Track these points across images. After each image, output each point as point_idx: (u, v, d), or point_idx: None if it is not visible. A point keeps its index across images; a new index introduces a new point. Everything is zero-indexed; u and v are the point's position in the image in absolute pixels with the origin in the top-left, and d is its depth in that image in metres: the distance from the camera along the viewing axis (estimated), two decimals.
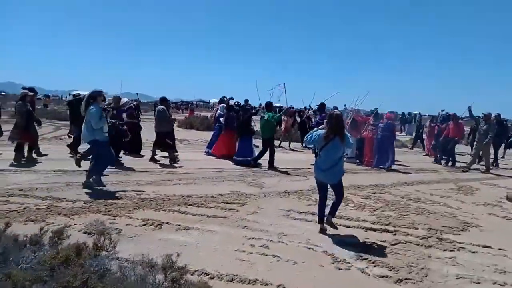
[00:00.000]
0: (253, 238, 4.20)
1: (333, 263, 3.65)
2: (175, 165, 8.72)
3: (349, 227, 4.83)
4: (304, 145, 10.86)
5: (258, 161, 9.41)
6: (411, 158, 12.73)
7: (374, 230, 4.74)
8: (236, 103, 12.59)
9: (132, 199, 5.50)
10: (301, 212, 5.35)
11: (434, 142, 12.86)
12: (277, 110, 12.89)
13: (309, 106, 13.44)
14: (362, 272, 3.49)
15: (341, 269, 3.52)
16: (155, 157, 9.07)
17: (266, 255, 3.74)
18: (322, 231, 4.54)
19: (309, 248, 4.00)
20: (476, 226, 5.18)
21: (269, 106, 9.90)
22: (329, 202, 4.77)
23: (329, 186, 4.68)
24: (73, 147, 8.83)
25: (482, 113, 10.83)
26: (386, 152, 10.15)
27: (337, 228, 4.66)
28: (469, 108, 10.84)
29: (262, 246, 3.97)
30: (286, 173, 8.67)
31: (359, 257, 3.81)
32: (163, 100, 9.88)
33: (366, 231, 4.72)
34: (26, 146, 8.29)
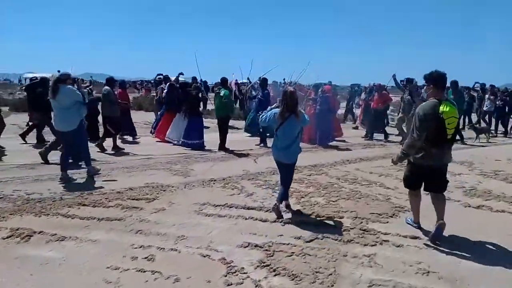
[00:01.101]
0: (141, 246, 3.48)
1: (225, 276, 3.00)
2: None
3: (265, 221, 4.21)
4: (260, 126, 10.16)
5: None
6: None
7: (293, 223, 4.15)
8: (199, 81, 11.56)
9: (15, 201, 4.62)
10: (217, 206, 4.67)
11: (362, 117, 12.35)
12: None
13: (248, 79, 12.58)
14: (256, 286, 2.87)
15: (231, 285, 2.88)
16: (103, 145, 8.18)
17: (145, 271, 3.04)
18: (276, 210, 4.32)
19: (205, 256, 3.33)
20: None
21: (224, 82, 9.05)
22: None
23: None
24: (26, 134, 8.70)
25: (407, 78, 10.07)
26: (326, 128, 9.64)
27: (297, 213, 4.49)
28: (393, 76, 9.73)
29: (146, 258, 3.26)
30: (232, 154, 8.04)
31: (261, 264, 3.18)
32: (109, 81, 8.78)
33: (283, 225, 4.12)
34: None
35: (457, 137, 10.54)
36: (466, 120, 13.26)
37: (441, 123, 3.44)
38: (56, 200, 4.69)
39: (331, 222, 4.19)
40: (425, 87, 4.12)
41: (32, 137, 8.72)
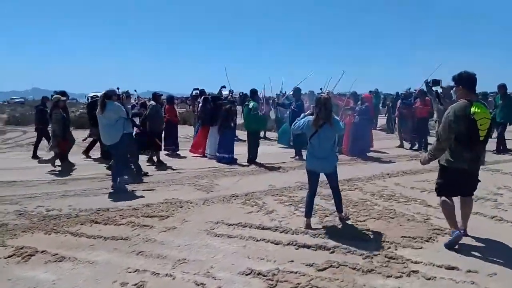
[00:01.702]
0: (136, 270, 3.24)
1: None
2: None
3: (278, 243, 3.79)
4: (291, 137, 9.78)
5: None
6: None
7: (308, 247, 3.69)
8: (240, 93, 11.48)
9: (33, 217, 4.66)
10: (230, 225, 4.35)
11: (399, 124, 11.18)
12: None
13: (280, 91, 12.21)
14: None
15: None
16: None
17: None
18: (308, 226, 4.21)
19: (199, 284, 2.99)
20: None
21: (254, 93, 8.85)
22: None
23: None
24: (88, 150, 9.16)
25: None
26: (365, 139, 8.96)
27: (349, 218, 4.50)
28: (426, 82, 8.48)
29: (136, 284, 3.00)
30: (263, 167, 7.76)
31: None
32: (154, 96, 8.89)
33: (297, 248, 3.67)
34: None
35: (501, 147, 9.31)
36: None
37: (473, 124, 3.37)
38: (71, 217, 4.66)
39: (352, 247, 3.66)
40: (454, 89, 3.77)
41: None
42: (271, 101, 12.79)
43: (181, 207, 5.10)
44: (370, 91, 14.04)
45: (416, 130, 9.99)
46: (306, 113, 4.46)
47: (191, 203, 5.28)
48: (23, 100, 53.41)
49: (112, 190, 5.94)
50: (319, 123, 4.07)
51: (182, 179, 6.83)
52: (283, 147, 10.74)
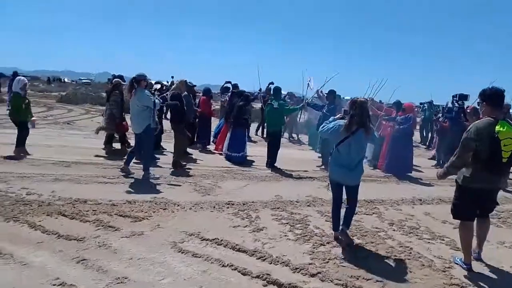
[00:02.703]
0: (62, 284, 2.72)
1: None
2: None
3: (246, 274, 3.08)
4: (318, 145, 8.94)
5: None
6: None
7: (280, 286, 2.95)
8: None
9: (6, 200, 4.36)
10: (204, 239, 3.72)
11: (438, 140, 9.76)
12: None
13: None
14: None
15: None
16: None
17: None
18: (338, 240, 3.90)
19: None
20: None
21: (277, 91, 8.18)
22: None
23: None
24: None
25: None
26: (406, 155, 7.84)
27: (352, 242, 3.92)
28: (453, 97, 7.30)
29: None
30: (279, 174, 7.05)
31: None
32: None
33: (265, 285, 2.95)
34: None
35: None
36: None
37: (496, 143, 3.17)
38: (43, 205, 4.30)
39: None
40: (480, 106, 3.51)
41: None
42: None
43: (164, 209, 4.56)
44: (420, 103, 12.65)
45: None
46: (336, 116, 4.04)
47: (178, 205, 4.73)
48: (89, 81, 57.14)
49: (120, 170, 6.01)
50: (352, 128, 3.64)
51: (186, 177, 6.31)
52: (315, 152, 9.87)
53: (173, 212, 4.50)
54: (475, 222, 3.53)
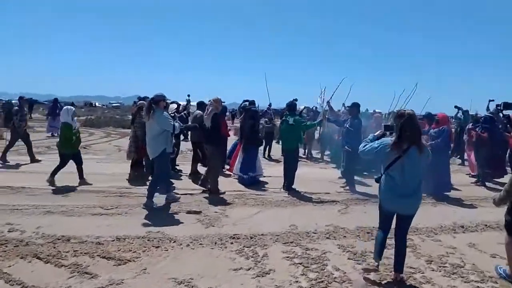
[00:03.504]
0: None
1: None
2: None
3: None
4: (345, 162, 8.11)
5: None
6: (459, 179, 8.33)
7: None
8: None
9: None
10: None
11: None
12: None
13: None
14: None
15: None
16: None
17: None
18: (374, 270, 3.40)
19: None
20: None
21: (292, 107, 7.54)
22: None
23: None
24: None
25: None
26: (443, 171, 6.90)
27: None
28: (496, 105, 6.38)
29: None
30: (296, 198, 6.33)
31: None
32: (200, 105, 8.19)
33: None
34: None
35: None
36: None
37: None
38: (19, 246, 3.78)
39: None
40: None
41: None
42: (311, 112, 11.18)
43: (157, 247, 3.94)
44: (457, 112, 11.58)
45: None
46: (376, 134, 3.53)
47: (174, 241, 4.11)
48: (119, 105, 58.78)
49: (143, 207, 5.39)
50: (403, 147, 3.10)
51: (189, 204, 5.69)
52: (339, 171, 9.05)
53: (167, 250, 3.87)
54: None
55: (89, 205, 5.41)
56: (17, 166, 8.33)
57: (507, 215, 3.36)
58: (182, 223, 4.80)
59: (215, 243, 4.11)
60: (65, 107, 6.98)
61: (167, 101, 6.40)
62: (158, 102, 5.45)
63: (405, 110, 3.31)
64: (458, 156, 11.43)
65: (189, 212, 5.24)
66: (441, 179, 6.93)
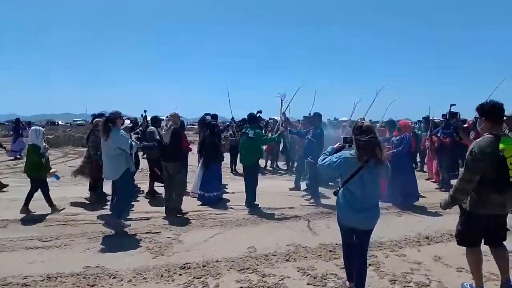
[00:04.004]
0: None
1: None
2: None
3: None
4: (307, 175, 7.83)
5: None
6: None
7: None
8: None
9: None
10: None
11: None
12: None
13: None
14: None
15: None
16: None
17: None
18: None
19: None
20: None
21: (253, 119, 7.21)
22: None
23: None
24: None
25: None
26: (408, 180, 6.78)
27: None
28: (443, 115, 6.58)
29: None
30: (256, 215, 5.97)
31: None
32: (153, 120, 7.78)
33: None
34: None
35: None
36: None
37: (502, 162, 2.92)
38: None
39: None
40: (478, 121, 3.26)
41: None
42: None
43: (93, 286, 3.47)
44: (419, 120, 11.70)
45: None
46: (335, 146, 3.38)
47: (114, 277, 3.65)
48: (83, 122, 56.63)
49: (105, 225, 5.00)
50: (363, 159, 2.97)
51: (144, 228, 5.23)
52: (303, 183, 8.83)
53: None
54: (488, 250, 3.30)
55: (26, 237, 4.84)
56: None
57: (458, 225, 3.33)
58: (128, 252, 4.34)
59: (161, 276, 3.69)
60: (33, 128, 6.41)
61: (124, 118, 6.00)
62: (114, 120, 5.11)
63: (362, 122, 3.19)
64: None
65: (139, 239, 4.78)
66: (409, 187, 6.81)
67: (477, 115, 3.25)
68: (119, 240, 4.78)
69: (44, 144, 6.21)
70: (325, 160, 3.21)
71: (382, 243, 4.69)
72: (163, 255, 4.28)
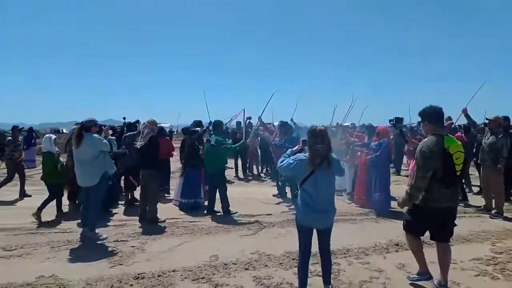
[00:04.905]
0: None
1: None
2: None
3: None
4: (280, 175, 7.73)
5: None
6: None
7: None
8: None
9: None
10: None
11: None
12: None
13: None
14: None
15: None
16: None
17: None
18: None
19: None
20: None
21: (218, 125, 7.04)
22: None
23: None
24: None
25: (486, 118, 6.85)
26: (385, 185, 6.68)
27: None
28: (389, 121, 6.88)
29: None
30: (227, 223, 5.89)
31: None
32: (129, 127, 7.86)
33: None
34: None
35: None
36: None
37: (449, 158, 3.22)
38: None
39: None
40: (421, 125, 3.49)
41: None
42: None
43: None
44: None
45: None
46: (294, 149, 3.51)
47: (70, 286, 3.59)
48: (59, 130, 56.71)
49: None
50: (315, 162, 3.11)
51: (112, 236, 5.18)
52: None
53: None
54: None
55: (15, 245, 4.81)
56: None
57: (407, 215, 3.58)
58: (87, 262, 4.28)
59: (111, 287, 3.62)
60: (46, 135, 6.49)
61: (102, 126, 5.99)
62: (89, 128, 5.12)
63: (316, 126, 3.29)
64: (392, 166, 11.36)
65: (104, 248, 4.73)
66: (385, 192, 6.70)
67: (420, 120, 3.52)
68: (83, 249, 4.74)
69: (56, 148, 6.30)
70: (283, 162, 3.32)
71: (349, 250, 4.59)
72: (121, 264, 4.22)
